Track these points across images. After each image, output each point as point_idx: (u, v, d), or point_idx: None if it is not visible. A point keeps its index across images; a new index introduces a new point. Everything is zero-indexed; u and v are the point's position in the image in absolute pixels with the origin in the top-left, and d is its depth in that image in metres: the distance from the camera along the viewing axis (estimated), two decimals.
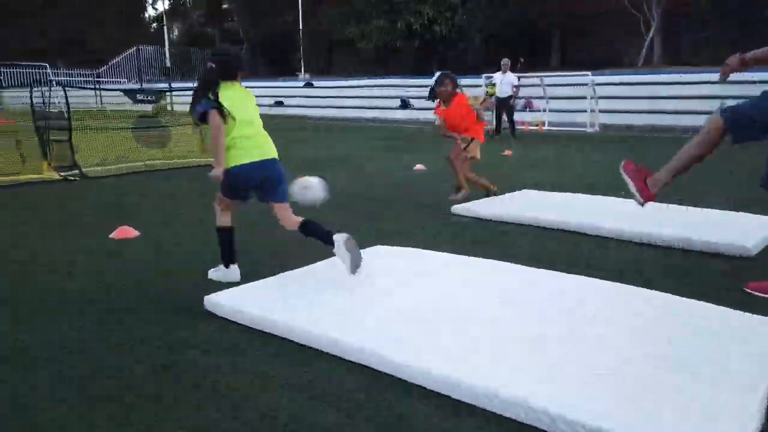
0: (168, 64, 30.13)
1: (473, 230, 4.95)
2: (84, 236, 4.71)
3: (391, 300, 3.08)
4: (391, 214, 5.62)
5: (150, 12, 46.56)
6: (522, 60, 25.05)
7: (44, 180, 7.43)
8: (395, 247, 4.18)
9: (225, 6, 42.18)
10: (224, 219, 3.51)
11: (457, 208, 5.54)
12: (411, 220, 5.34)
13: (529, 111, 20.26)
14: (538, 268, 3.66)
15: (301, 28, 32.36)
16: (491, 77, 15.12)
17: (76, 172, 7.67)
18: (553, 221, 4.93)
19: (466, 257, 3.92)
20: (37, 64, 27.13)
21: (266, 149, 3.38)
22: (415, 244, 4.37)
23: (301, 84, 31.33)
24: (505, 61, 13.76)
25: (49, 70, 25.81)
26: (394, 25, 26.10)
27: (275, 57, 38.41)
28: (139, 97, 11.41)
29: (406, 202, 6.13)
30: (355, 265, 3.28)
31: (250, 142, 3.29)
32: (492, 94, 14.19)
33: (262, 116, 3.49)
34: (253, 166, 3.28)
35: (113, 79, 34.86)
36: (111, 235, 4.66)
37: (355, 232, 4.51)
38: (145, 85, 28.00)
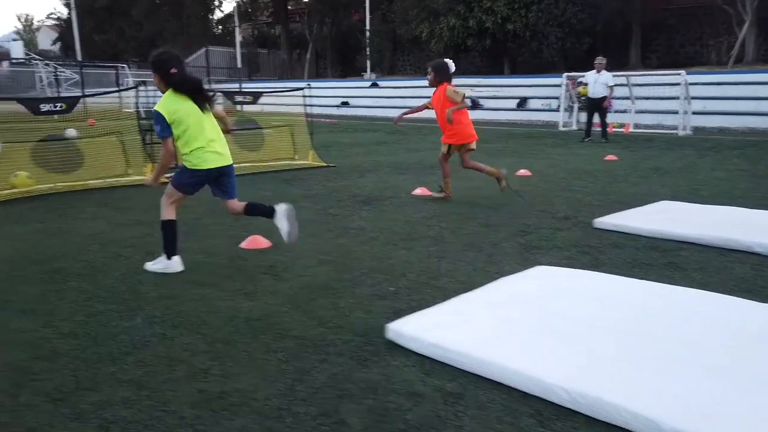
0: (239, 65, 30.50)
1: (628, 248, 4.45)
2: (216, 242, 4.49)
3: (592, 333, 2.66)
4: (525, 224, 5.18)
5: (217, 14, 47.53)
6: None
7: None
8: (559, 268, 3.75)
9: (290, 7, 42.59)
10: (171, 213, 3.74)
11: (601, 222, 5.05)
12: (550, 232, 4.89)
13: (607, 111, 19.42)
14: (737, 296, 3.16)
15: (368, 28, 32.23)
16: (583, 77, 14.39)
17: None
18: (725, 239, 4.37)
19: (652, 283, 3.45)
20: (117, 64, 28.04)
21: (223, 156, 3.76)
22: (569, 262, 3.94)
23: (367, 84, 31.27)
24: (600, 60, 13.01)
25: (128, 71, 26.57)
26: (466, 23, 25.53)
27: (341, 57, 38.50)
28: (238, 98, 11.30)
29: (537, 213, 5.67)
30: (291, 234, 3.84)
31: (205, 152, 3.65)
32: (584, 95, 13.48)
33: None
34: (211, 172, 3.72)
35: None
36: (241, 245, 4.42)
37: (501, 248, 4.22)
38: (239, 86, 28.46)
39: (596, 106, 13.09)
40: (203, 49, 40.38)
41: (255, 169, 8.34)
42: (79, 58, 26.66)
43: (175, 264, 3.74)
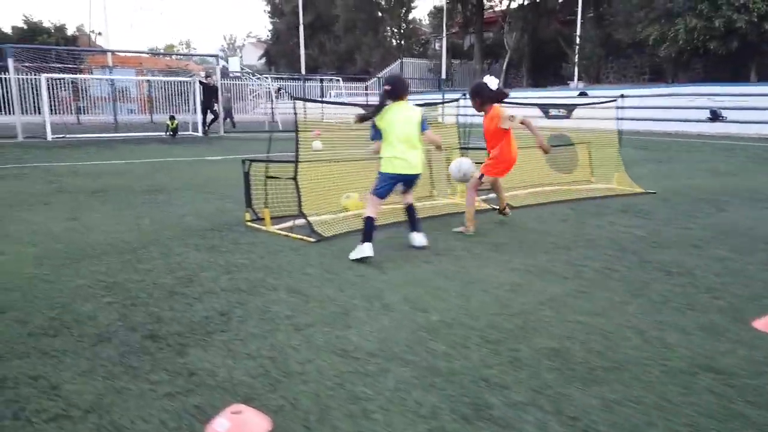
0: (444, 75, 30.01)
1: None
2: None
3: None
4: None
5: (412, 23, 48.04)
6: None
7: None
8: None
9: (489, 16, 41.53)
10: (374, 210, 4.38)
11: None
12: None
13: None
14: None
15: (578, 33, 29.92)
16: None
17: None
18: None
19: None
20: (331, 76, 29.10)
21: (413, 165, 4.42)
22: None
23: (575, 93, 28.99)
24: None
25: (341, 83, 27.34)
26: (710, 23, 22.22)
27: (543, 64, 36.49)
28: (553, 111, 10.22)
29: None
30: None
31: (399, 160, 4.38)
32: None
33: None
34: (397, 177, 4.44)
35: (379, 91, 36.23)
36: (755, 325, 3.05)
37: None
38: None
39: None
40: (398, 61, 40.97)
41: (566, 195, 7.05)
42: (303, 71, 27.95)
43: (368, 248, 4.25)
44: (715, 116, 22.07)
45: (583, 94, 28.76)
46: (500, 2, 40.58)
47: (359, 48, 43.91)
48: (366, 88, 37.36)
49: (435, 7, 42.54)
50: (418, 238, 4.63)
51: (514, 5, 38.11)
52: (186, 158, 12.15)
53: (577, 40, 29.83)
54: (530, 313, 3.22)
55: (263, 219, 5.50)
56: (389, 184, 4.42)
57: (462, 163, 5.26)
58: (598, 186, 7.74)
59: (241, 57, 56.75)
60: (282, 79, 29.05)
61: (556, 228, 5.40)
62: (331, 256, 4.43)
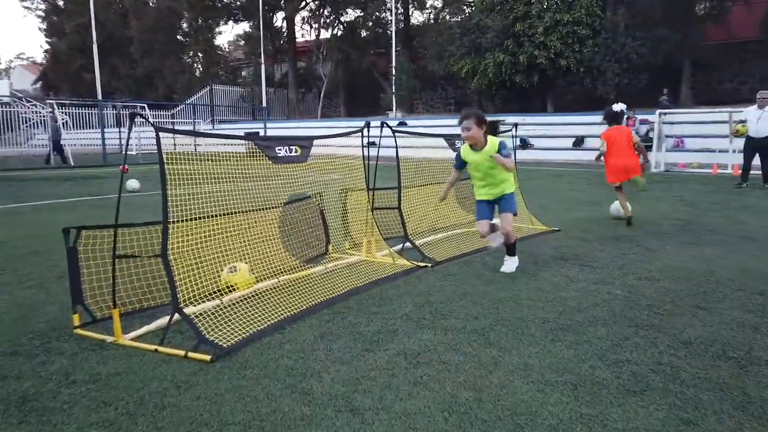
0: (264, 103, 28.24)
1: None
2: None
3: None
4: None
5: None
6: (666, 93, 22.71)
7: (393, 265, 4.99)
8: None
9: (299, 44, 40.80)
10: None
11: None
12: None
13: (680, 150, 18.05)
14: None
15: (393, 64, 30.51)
16: (741, 112, 12.59)
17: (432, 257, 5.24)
18: None
19: None
20: (136, 103, 25.41)
21: (493, 191, 4.80)
22: None
23: (394, 123, 29.43)
24: (765, 94, 11.23)
25: (147, 111, 23.97)
26: (515, 58, 23.96)
27: (359, 94, 36.66)
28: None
29: None
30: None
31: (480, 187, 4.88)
32: (743, 134, 11.65)
33: None
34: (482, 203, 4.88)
35: (188, 120, 33.21)
36: None
37: None
38: None
39: (762, 146, 11.26)
40: (207, 88, 38.07)
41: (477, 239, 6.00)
42: (99, 96, 23.85)
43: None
44: (524, 144, 23.78)
45: (402, 124, 29.30)
46: (312, 32, 40.22)
47: (160, 72, 39.99)
48: (172, 116, 33.91)
49: (246, 33, 40.63)
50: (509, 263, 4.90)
51: (326, 35, 38.00)
52: None
53: (393, 72, 30.40)
54: None
55: (105, 320, 3.45)
56: None
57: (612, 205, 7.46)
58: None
59: (9, 81, 48.39)
60: (71, 105, 24.61)
61: (522, 291, 4.22)
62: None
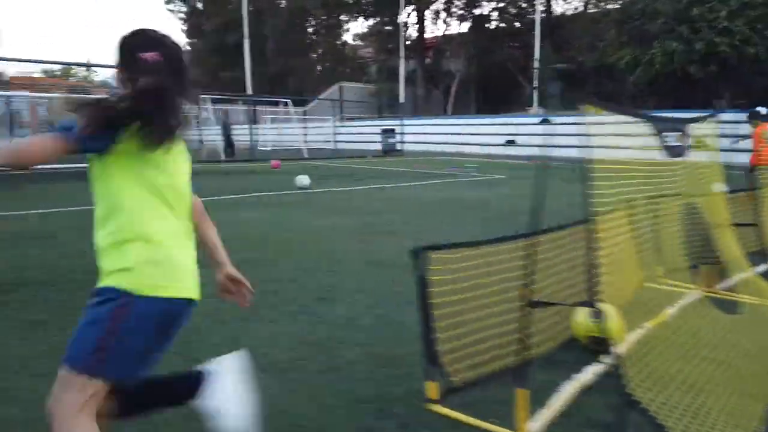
0: (401, 99, 27.40)
1: None
2: None
3: None
4: None
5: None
6: None
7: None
8: None
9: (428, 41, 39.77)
10: None
11: None
12: None
13: None
14: None
15: (537, 57, 28.46)
16: None
17: None
18: None
19: None
20: (279, 99, 25.57)
21: None
22: None
23: (536, 120, 27.37)
24: None
25: (290, 107, 23.91)
26: (689, 46, 21.15)
27: (494, 90, 34.90)
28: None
29: None
30: None
31: None
32: None
33: None
34: None
35: (319, 117, 33.23)
36: None
37: None
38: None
39: None
40: (335, 86, 38.05)
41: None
42: (250, 91, 24.18)
43: None
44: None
45: (545, 121, 27.23)
46: (442, 26, 39.00)
47: (290, 70, 40.59)
48: (304, 113, 34.11)
49: (374, 28, 40.22)
50: None
51: (462, 28, 36.64)
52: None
53: (536, 65, 28.33)
54: None
55: (468, 389, 2.26)
56: None
57: None
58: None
59: None
60: (221, 101, 25.26)
61: None
62: None
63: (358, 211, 7.88)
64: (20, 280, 4.25)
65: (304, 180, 10.79)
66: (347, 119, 35.53)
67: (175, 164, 1.54)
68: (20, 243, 5.59)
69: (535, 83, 28.56)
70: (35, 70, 48.88)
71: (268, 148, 24.71)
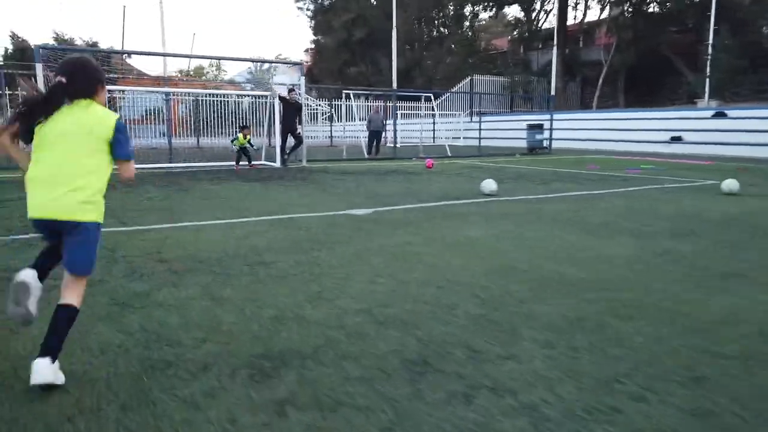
0: (552, 92, 25.00)
1: None
2: None
3: None
4: None
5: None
6: None
7: None
8: None
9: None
10: None
11: None
12: None
13: None
14: None
15: (710, 42, 24.78)
16: None
17: None
18: None
19: None
20: (421, 93, 24.16)
21: None
22: None
23: (708, 114, 23.79)
24: None
25: (432, 101, 22.41)
26: None
27: (644, 80, 31.31)
28: None
29: None
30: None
31: None
32: None
33: None
34: None
35: (448, 112, 31.47)
36: None
37: None
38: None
39: None
40: (467, 78, 36.14)
41: None
42: (395, 85, 23.05)
43: None
44: None
45: (720, 114, 23.62)
46: (586, 13, 35.68)
47: (419, 64, 39.20)
48: (433, 108, 32.62)
49: (512, 17, 37.77)
50: None
51: (606, 14, 33.26)
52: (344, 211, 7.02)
53: (710, 50, 24.65)
54: None
55: None
56: None
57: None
58: None
59: (301, 76, 52.54)
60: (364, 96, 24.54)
61: None
62: None
63: (615, 228, 5.98)
64: None
65: (491, 185, 9.09)
66: (483, 113, 33.53)
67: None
68: None
69: (708, 71, 24.90)
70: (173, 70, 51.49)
71: (398, 145, 23.43)
